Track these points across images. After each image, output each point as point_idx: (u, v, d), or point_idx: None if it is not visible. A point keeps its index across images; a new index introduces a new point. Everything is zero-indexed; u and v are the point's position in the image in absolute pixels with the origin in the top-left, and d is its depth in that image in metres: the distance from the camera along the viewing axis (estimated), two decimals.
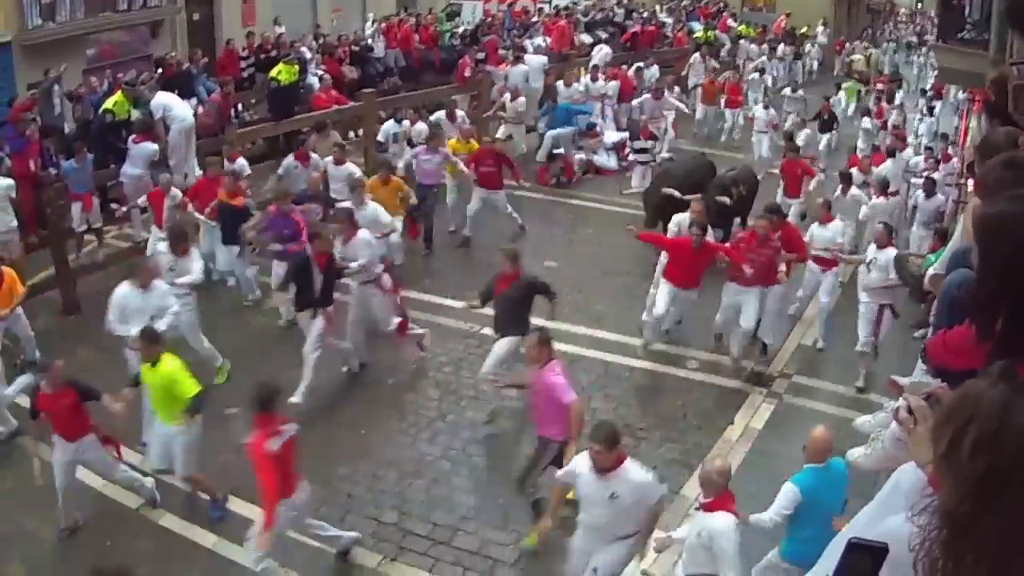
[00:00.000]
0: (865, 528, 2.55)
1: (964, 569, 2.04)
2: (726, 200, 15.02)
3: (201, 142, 15.95)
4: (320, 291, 11.29)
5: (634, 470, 7.22)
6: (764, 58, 29.66)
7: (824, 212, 13.29)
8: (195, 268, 11.47)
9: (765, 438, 11.01)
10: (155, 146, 14.98)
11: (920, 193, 16.26)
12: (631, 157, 19.11)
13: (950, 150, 20.36)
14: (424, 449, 10.68)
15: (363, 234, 11.95)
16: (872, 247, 12.08)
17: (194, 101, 16.80)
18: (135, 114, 15.52)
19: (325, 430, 10.96)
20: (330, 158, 15.13)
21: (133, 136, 15.13)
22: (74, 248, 14.60)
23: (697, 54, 26.63)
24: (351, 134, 19.27)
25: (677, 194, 14.77)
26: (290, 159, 15.39)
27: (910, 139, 22.82)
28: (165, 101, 15.75)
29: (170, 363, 9.00)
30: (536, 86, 21.16)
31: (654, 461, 10.37)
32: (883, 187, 15.41)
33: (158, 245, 12.63)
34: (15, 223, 13.57)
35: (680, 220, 13.25)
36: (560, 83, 21.18)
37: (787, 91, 25.21)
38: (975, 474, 2.03)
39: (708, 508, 7.08)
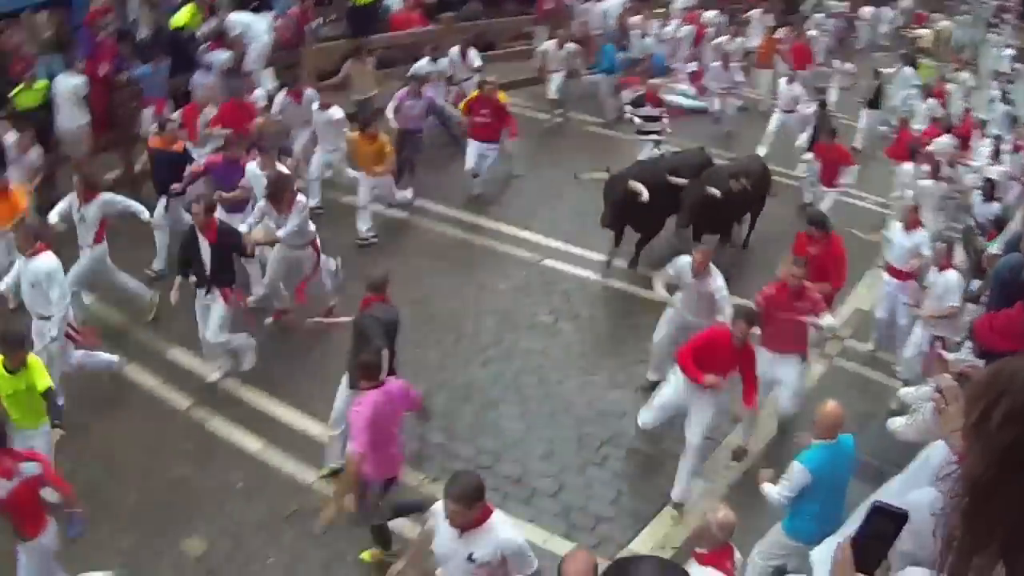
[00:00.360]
0: (893, 498, 2.65)
1: (979, 536, 2.16)
2: (715, 192, 12.45)
3: (277, 55, 15.87)
4: (211, 267, 9.85)
5: (501, 529, 5.87)
6: (822, 15, 27.10)
7: (911, 215, 11.43)
8: (120, 205, 10.76)
9: (812, 399, 10.76)
10: (228, 54, 14.94)
11: (978, 195, 14.80)
12: (637, 127, 15.89)
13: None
14: (476, 374, 10.66)
15: (301, 198, 10.82)
16: (932, 271, 10.73)
17: (272, 14, 16.64)
18: (210, 23, 15.50)
19: None
20: (316, 103, 13.87)
21: (207, 43, 15.13)
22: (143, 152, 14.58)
23: (757, 11, 24.85)
24: None
25: (643, 191, 12.21)
26: (283, 95, 14.30)
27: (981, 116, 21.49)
28: (242, 19, 15.72)
29: (30, 359, 8.01)
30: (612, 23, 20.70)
31: None
32: (935, 166, 14.35)
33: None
34: (86, 120, 13.79)
35: (683, 267, 10.08)
36: (636, 25, 20.32)
37: (836, 62, 22.70)
38: (1002, 444, 2.13)
39: (702, 561, 6.25)
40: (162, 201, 12.09)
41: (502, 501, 8.71)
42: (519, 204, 15.03)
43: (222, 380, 10.29)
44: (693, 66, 20.08)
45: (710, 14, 23.44)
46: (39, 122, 13.40)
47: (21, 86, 13.59)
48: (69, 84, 13.66)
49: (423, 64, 16.32)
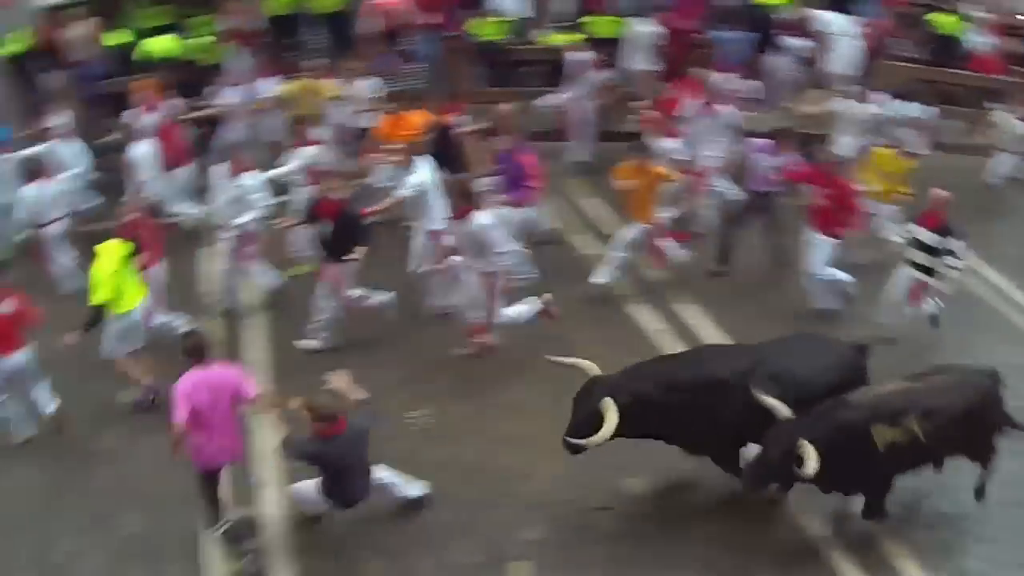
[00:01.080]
0: None
1: None
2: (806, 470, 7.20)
3: None
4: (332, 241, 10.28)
5: None
6: None
7: None
8: None
9: None
10: (803, 43, 15.33)
11: None
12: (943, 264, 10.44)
13: None
14: None
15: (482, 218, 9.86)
16: None
17: (859, 20, 16.24)
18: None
19: None
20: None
21: (783, 30, 15.51)
22: None
23: None
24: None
25: (611, 418, 7.59)
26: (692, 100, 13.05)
27: None
28: (826, 16, 15.68)
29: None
30: None
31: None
32: None
33: None
34: (653, 67, 14.99)
35: None
36: None
37: None
38: None
39: None
40: None
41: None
42: None
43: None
44: None
45: None
46: (607, 52, 14.74)
47: (597, 16, 15.17)
48: (643, 30, 14.86)
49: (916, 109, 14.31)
